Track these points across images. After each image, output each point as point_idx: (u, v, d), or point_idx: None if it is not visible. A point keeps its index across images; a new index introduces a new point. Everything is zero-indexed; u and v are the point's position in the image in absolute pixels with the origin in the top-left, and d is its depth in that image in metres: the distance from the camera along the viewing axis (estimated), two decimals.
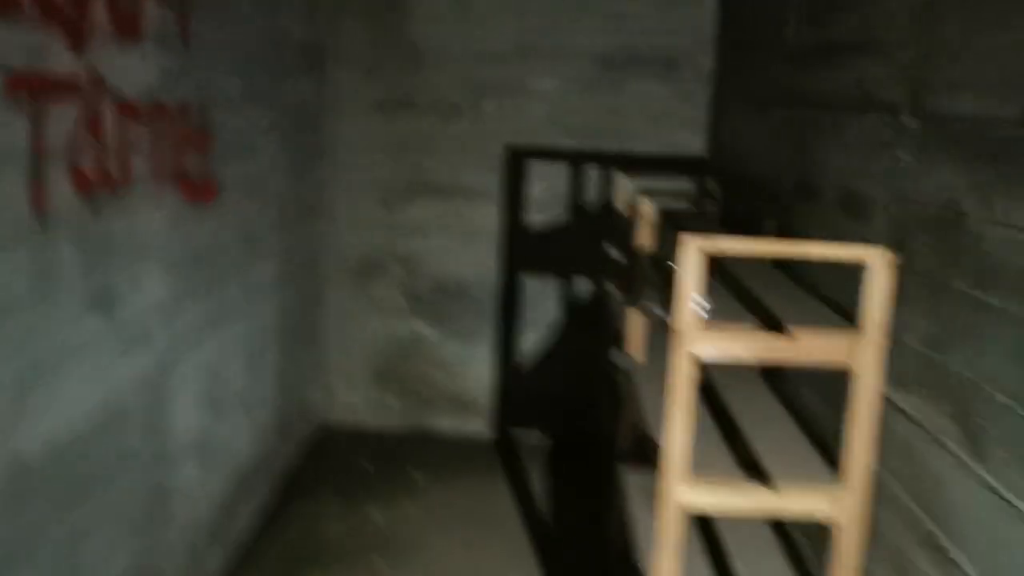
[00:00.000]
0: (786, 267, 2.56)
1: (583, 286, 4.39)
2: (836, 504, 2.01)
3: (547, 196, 4.33)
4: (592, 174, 4.31)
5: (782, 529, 2.51)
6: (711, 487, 2.04)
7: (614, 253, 4.25)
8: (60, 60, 1.91)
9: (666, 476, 2.02)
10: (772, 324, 2.01)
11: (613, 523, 3.15)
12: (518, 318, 4.46)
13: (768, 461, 2.12)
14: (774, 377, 2.65)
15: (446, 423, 4.54)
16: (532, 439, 4.45)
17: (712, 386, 2.59)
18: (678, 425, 2.00)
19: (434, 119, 4.31)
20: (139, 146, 2.29)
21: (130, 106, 2.22)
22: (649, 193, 3.12)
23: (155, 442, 2.50)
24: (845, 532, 2.02)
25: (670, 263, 2.47)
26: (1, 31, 1.71)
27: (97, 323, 2.12)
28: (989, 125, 1.63)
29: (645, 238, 2.83)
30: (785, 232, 2.76)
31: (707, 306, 2.12)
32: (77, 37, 1.97)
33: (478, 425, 4.53)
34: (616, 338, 3.85)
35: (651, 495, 2.67)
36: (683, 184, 3.72)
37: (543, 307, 4.44)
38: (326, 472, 3.99)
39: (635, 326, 2.91)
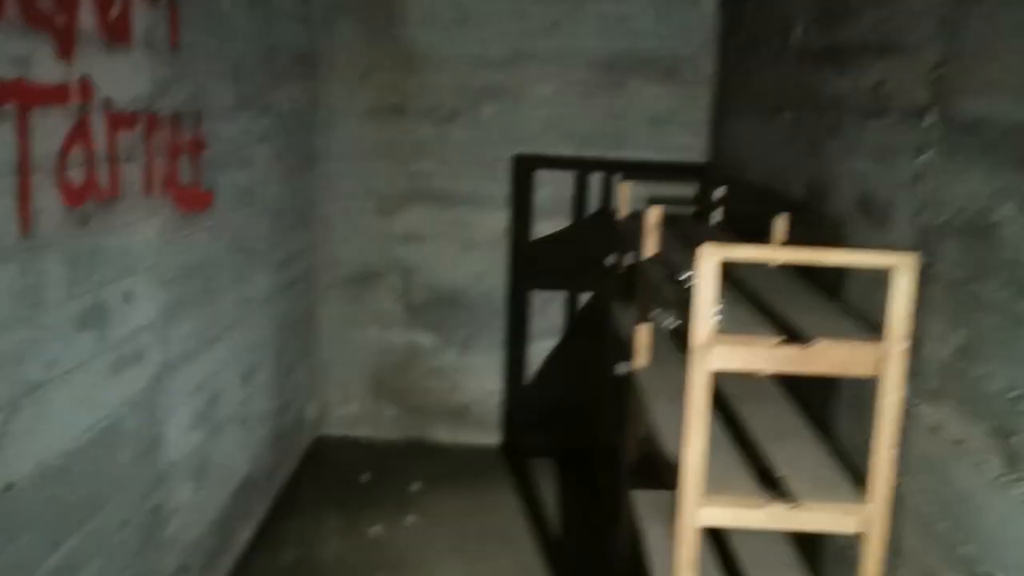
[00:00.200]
0: (802, 274, 2.49)
1: (586, 294, 4.31)
2: (860, 520, 1.94)
3: (549, 203, 4.26)
4: (594, 181, 4.23)
5: (798, 539, 2.44)
6: (730, 504, 1.96)
7: (618, 261, 4.18)
8: (48, 68, 1.83)
9: (684, 494, 1.94)
10: (791, 333, 1.94)
11: (620, 537, 3.07)
12: (521, 327, 4.38)
13: (788, 475, 2.04)
14: (790, 385, 2.58)
15: (445, 434, 4.45)
16: (535, 449, 4.37)
17: (723, 395, 2.51)
18: (696, 441, 1.92)
19: (431, 125, 4.23)
20: (131, 156, 2.20)
21: (121, 115, 2.14)
22: (653, 200, 3.05)
23: (150, 464, 2.41)
24: (868, 549, 1.94)
25: (682, 272, 2.40)
26: None
27: (88, 341, 2.04)
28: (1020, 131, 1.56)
29: (651, 246, 2.75)
30: (797, 237, 2.69)
31: (718, 311, 2.05)
32: (65, 44, 1.89)
33: (478, 435, 4.44)
34: (620, 347, 3.78)
35: (662, 511, 2.60)
36: (687, 189, 3.65)
37: (545, 315, 4.36)
38: (324, 486, 3.90)
39: (641, 335, 2.83)
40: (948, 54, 1.86)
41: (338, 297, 4.37)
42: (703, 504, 1.95)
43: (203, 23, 2.63)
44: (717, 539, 2.50)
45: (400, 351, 4.43)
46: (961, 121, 1.78)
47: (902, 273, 1.85)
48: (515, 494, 3.92)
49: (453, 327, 4.39)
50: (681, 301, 2.18)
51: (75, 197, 1.94)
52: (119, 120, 2.13)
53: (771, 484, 2.06)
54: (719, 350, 1.90)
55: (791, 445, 2.23)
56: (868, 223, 2.21)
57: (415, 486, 3.93)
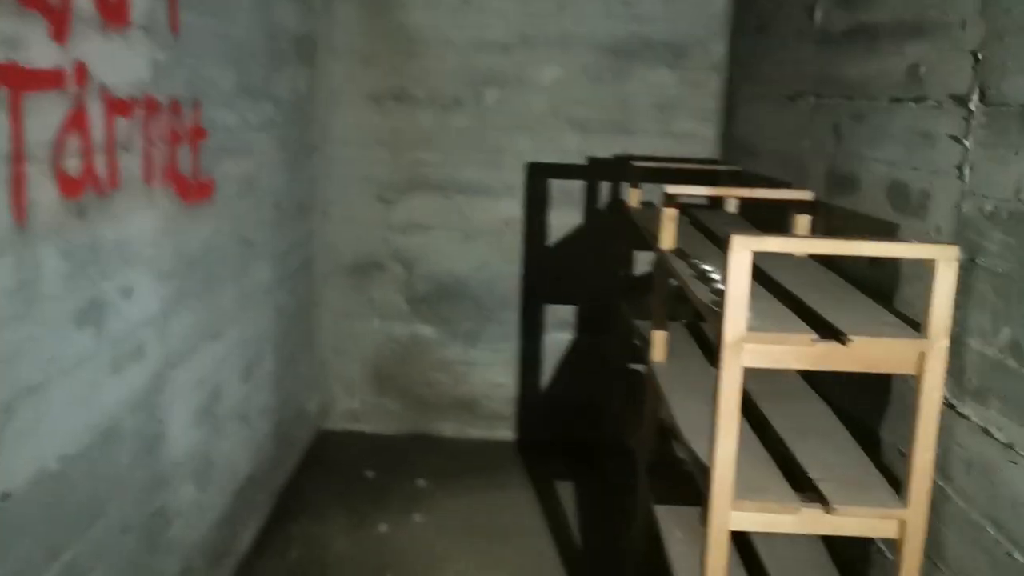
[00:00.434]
0: (828, 266, 2.40)
1: (597, 286, 4.21)
2: (898, 524, 1.86)
3: (559, 194, 4.16)
4: (605, 171, 4.14)
5: (829, 542, 2.35)
6: (762, 509, 1.88)
7: (630, 252, 4.09)
8: (42, 51, 1.72)
9: (714, 498, 1.86)
10: (826, 329, 1.85)
11: (636, 535, 2.98)
12: (531, 319, 4.29)
13: (821, 478, 1.96)
14: (819, 382, 2.49)
15: (451, 428, 4.36)
16: (545, 443, 4.28)
17: (747, 391, 2.43)
18: (726, 443, 1.84)
19: (433, 111, 4.13)
20: (129, 145, 2.10)
21: (119, 102, 2.03)
22: (667, 193, 2.95)
23: (151, 465, 2.31)
24: (906, 554, 1.86)
25: (706, 265, 2.31)
26: None
27: (86, 338, 1.94)
28: None
29: (668, 238, 2.66)
30: (820, 228, 2.60)
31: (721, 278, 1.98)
32: (59, 26, 1.78)
33: (485, 430, 4.35)
34: (633, 341, 3.69)
35: (683, 513, 2.52)
36: (699, 180, 3.55)
37: (556, 308, 4.27)
38: (328, 483, 3.80)
39: (657, 330, 2.74)
40: (990, 34, 1.76)
41: (339, 288, 4.27)
42: (734, 508, 1.86)
43: (202, 5, 2.52)
44: (738, 536, 2.42)
45: (403, 343, 4.33)
46: (1009, 105, 1.68)
47: (944, 266, 1.77)
48: (525, 490, 3.84)
49: (457, 319, 4.30)
50: (700, 292, 2.09)
51: (72, 188, 1.84)
52: (117, 107, 2.02)
53: (801, 485, 1.98)
54: (752, 348, 1.81)
55: (823, 445, 2.15)
56: (901, 213, 2.12)
57: (421, 482, 3.84)
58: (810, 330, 1.83)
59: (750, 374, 1.84)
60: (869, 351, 1.82)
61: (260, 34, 3.13)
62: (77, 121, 1.85)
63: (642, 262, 4.09)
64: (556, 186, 4.16)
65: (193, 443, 2.61)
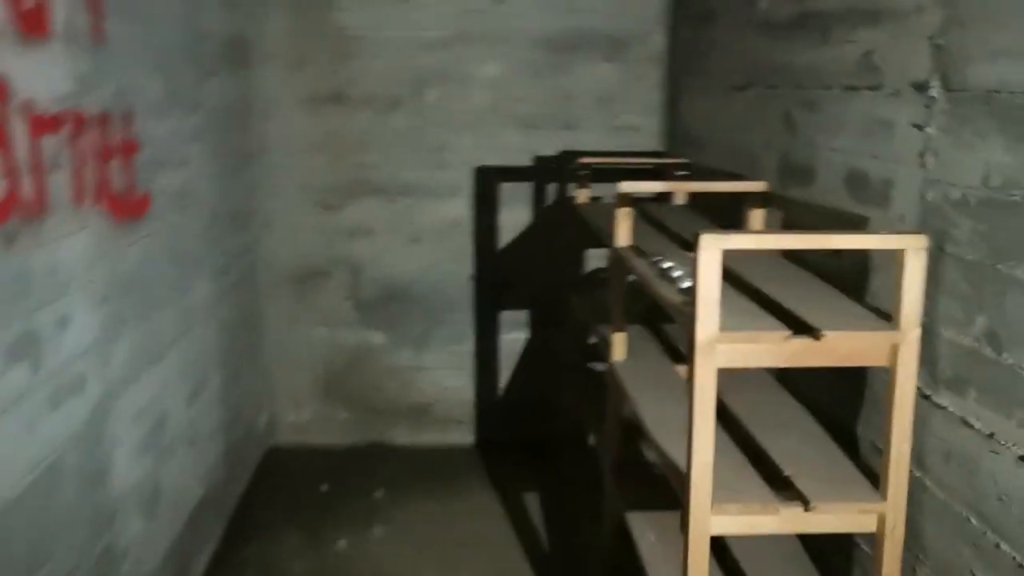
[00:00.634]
0: (790, 257, 2.37)
1: (549, 283, 4.15)
2: (877, 517, 1.83)
3: (507, 193, 4.08)
4: (552, 169, 4.07)
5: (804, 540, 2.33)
6: (741, 512, 1.84)
7: (581, 248, 4.04)
8: None
9: (693, 504, 1.81)
10: (798, 326, 1.82)
11: (603, 539, 2.93)
12: (484, 320, 4.21)
13: (796, 474, 1.93)
14: (787, 376, 2.46)
15: (405, 436, 4.27)
16: (503, 445, 4.21)
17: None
18: (703, 447, 1.79)
19: (372, 113, 4.02)
20: (57, 163, 1.96)
21: (44, 118, 1.90)
22: (621, 193, 2.90)
23: (97, 501, 2.18)
24: (886, 546, 1.84)
25: (664, 263, 2.26)
26: None
27: (21, 375, 1.81)
28: None
29: (623, 235, 2.61)
30: (774, 220, 2.58)
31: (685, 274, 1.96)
32: None
33: (440, 435, 4.27)
34: (587, 338, 3.64)
35: (656, 516, 2.48)
36: (649, 175, 3.51)
37: (508, 308, 4.20)
38: (282, 501, 3.68)
39: (617, 328, 2.69)
40: (949, 20, 1.74)
41: (283, 298, 4.14)
42: (714, 513, 1.82)
43: (127, 11, 2.38)
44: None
45: (352, 351, 4.22)
46: (972, 91, 1.66)
47: (913, 256, 1.74)
48: (486, 494, 3.77)
49: (407, 323, 4.20)
50: (657, 291, 2.04)
51: None
52: (42, 123, 1.89)
53: (776, 483, 1.95)
54: (725, 348, 1.76)
55: (794, 440, 2.12)
56: (861, 202, 2.10)
57: (379, 493, 3.74)
58: (783, 327, 1.80)
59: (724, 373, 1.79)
60: (842, 345, 1.79)
61: (189, 40, 2.99)
62: None
63: (593, 257, 4.05)
64: (504, 184, 4.09)
65: (140, 473, 2.48)
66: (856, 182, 2.12)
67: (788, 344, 1.78)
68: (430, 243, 4.13)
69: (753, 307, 1.95)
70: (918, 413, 1.78)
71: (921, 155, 1.83)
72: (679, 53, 3.82)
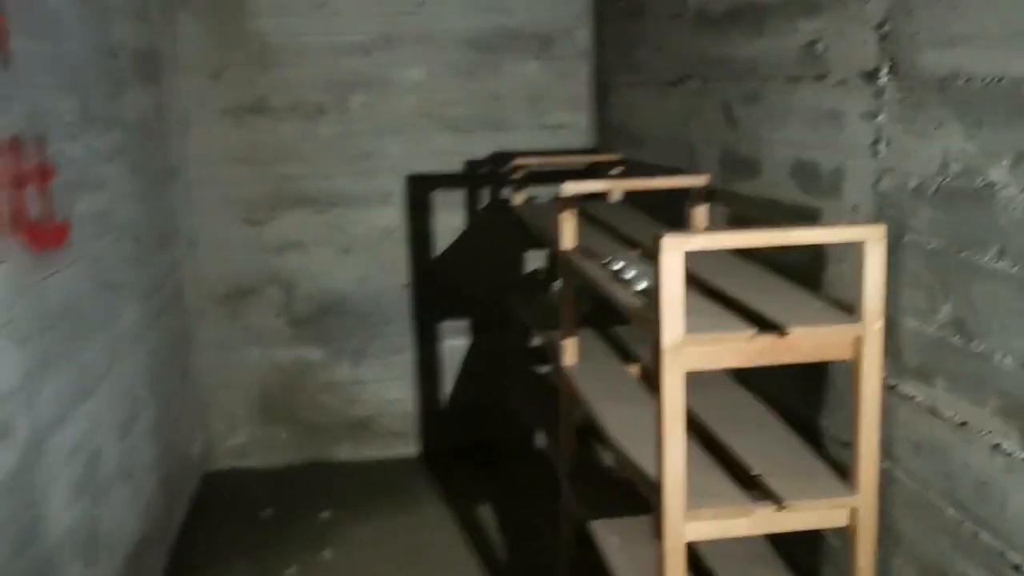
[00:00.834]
0: (741, 251, 2.35)
1: (488, 287, 4.07)
2: (849, 512, 1.82)
3: (439, 198, 4.00)
4: (485, 172, 4.00)
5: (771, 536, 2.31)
6: (715, 516, 1.80)
7: (519, 252, 3.98)
8: None
9: (666, 512, 1.77)
10: (761, 324, 1.79)
11: (563, 546, 2.88)
12: (423, 328, 4.12)
13: (765, 473, 1.90)
14: (744, 373, 2.44)
15: (347, 452, 4.15)
16: (450, 454, 4.13)
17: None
18: (674, 454, 1.75)
19: (296, 122, 3.89)
20: None
21: None
22: (561, 197, 2.85)
23: (32, 555, 2.03)
24: (859, 540, 1.83)
25: (615, 265, 2.21)
26: None
27: None
28: (1010, 84, 1.44)
29: (568, 236, 2.55)
30: (723, 214, 2.56)
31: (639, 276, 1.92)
32: None
33: (384, 448, 4.16)
34: (530, 341, 3.59)
35: (618, 521, 2.43)
36: (584, 174, 3.47)
37: (448, 314, 4.12)
38: (224, 530, 3.52)
39: (567, 332, 2.64)
40: (896, 8, 1.73)
41: (214, 319, 3.98)
42: (688, 519, 1.78)
43: (31, 28, 2.23)
44: None
45: (287, 369, 4.08)
46: (925, 78, 1.65)
47: (872, 247, 1.73)
48: (435, 505, 3.68)
49: (343, 337, 4.09)
50: (608, 291, 2.00)
51: None
52: None
53: (744, 482, 1.92)
54: (691, 351, 1.72)
55: (758, 437, 2.10)
56: (810, 194, 2.08)
57: (325, 515, 3.62)
58: (748, 326, 1.77)
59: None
60: (807, 341, 1.77)
61: (100, 55, 2.83)
62: None
63: (532, 259, 4.00)
64: (440, 195, 4.01)
65: (75, 518, 2.33)
66: (804, 173, 2.10)
67: (753, 343, 1.75)
68: (363, 253, 4.03)
69: (713, 307, 1.92)
70: (884, 404, 1.77)
71: (873, 144, 1.82)
72: (607, 48, 3.79)
